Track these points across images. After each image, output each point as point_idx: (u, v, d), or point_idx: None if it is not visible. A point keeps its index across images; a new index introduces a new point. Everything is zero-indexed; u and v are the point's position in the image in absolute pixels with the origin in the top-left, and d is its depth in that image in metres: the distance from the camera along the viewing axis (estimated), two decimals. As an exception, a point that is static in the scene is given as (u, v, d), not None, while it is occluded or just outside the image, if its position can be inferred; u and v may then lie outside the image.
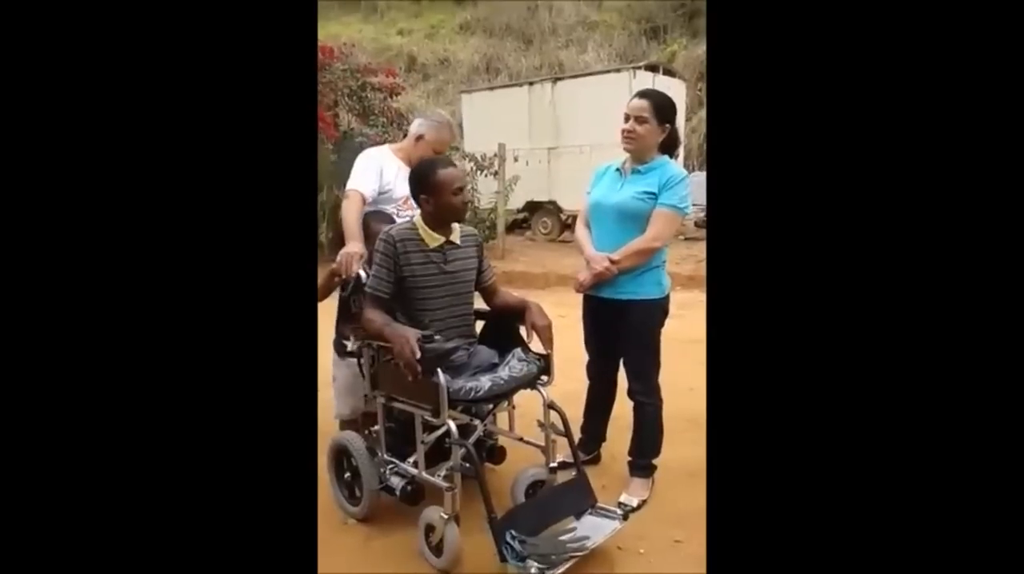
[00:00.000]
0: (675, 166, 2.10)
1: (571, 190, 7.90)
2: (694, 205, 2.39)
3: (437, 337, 1.76)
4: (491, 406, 1.92)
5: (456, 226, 1.96)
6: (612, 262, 2.01)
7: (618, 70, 8.90)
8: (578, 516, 1.80)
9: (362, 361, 1.99)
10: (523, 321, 1.91)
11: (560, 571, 1.59)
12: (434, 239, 1.89)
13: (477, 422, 1.90)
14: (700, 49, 11.74)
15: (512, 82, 11.14)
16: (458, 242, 1.95)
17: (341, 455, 2.07)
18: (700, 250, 6.87)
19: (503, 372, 1.83)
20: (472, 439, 1.79)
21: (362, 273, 2.00)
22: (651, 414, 2.16)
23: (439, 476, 1.79)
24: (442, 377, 1.67)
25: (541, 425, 1.90)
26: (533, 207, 9.34)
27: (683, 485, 2.21)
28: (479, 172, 8.03)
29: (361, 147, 3.00)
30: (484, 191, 8.13)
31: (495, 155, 7.74)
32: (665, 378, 2.18)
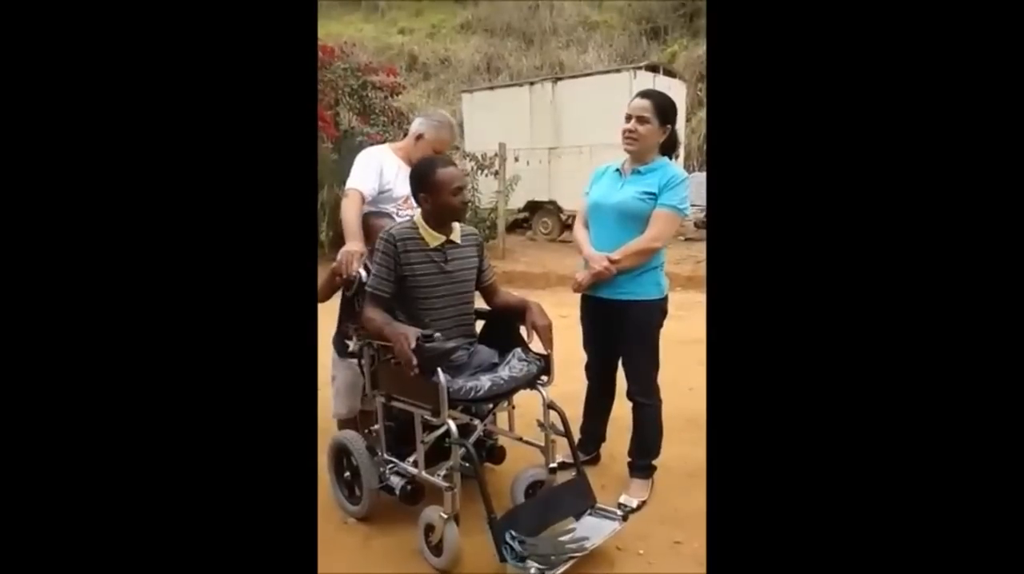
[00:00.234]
0: (675, 167, 2.10)
1: (572, 190, 7.88)
2: (693, 205, 2.38)
3: (437, 335, 1.76)
4: (491, 406, 1.92)
5: (457, 225, 1.96)
6: (611, 262, 2.01)
7: (619, 70, 8.90)
8: (578, 516, 1.80)
9: (362, 361, 1.99)
10: (523, 321, 1.91)
11: (560, 571, 1.59)
12: (434, 238, 1.89)
13: (477, 422, 1.90)
14: (700, 50, 11.73)
15: (513, 82, 11.12)
16: (459, 241, 1.95)
17: (341, 454, 2.07)
18: (699, 251, 6.86)
19: (503, 372, 1.83)
20: (472, 439, 1.79)
21: (362, 272, 2.00)
22: (650, 415, 2.15)
23: (439, 476, 1.79)
24: (442, 377, 1.67)
25: (541, 425, 1.90)
26: (534, 207, 9.34)
27: (683, 486, 2.21)
28: (480, 172, 8.03)
29: (361, 146, 3.00)
30: (485, 191, 8.13)
31: (496, 155, 7.74)
32: (664, 378, 2.18)
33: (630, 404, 2.17)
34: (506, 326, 1.99)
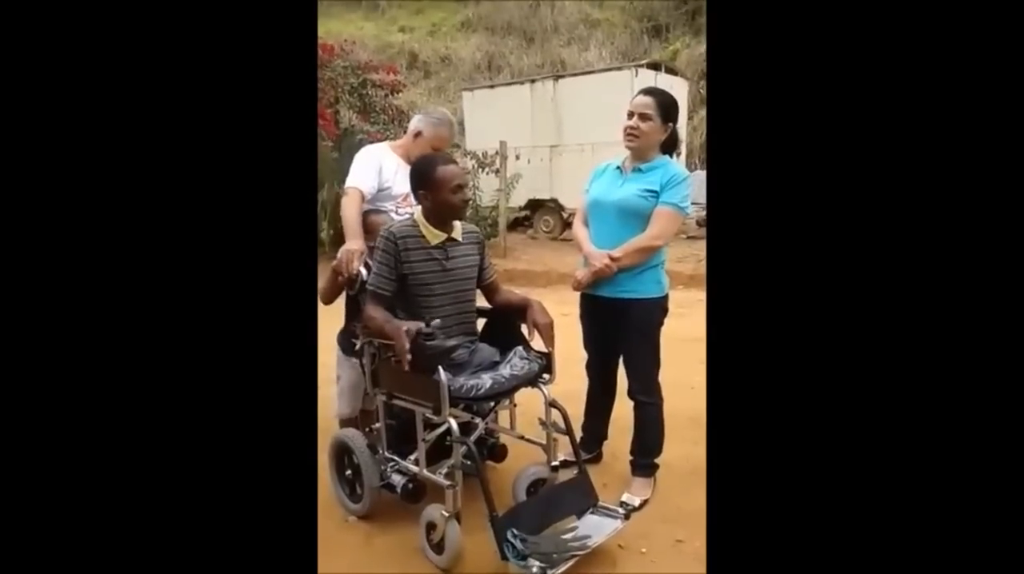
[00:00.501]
0: (677, 165, 2.09)
1: (573, 188, 7.84)
2: (694, 204, 2.38)
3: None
4: (492, 404, 1.92)
5: (458, 223, 1.95)
6: (612, 259, 2.00)
7: (620, 68, 8.89)
8: (580, 515, 1.80)
9: (364, 359, 1.99)
10: (524, 319, 1.91)
11: (561, 570, 1.59)
12: (435, 236, 1.89)
13: (478, 420, 1.90)
14: (702, 48, 11.71)
15: (514, 80, 11.12)
16: (460, 239, 1.94)
17: (342, 453, 2.07)
18: (701, 249, 6.86)
19: (504, 370, 1.83)
20: (473, 437, 1.79)
21: (363, 270, 1.99)
22: (652, 413, 2.15)
23: (440, 474, 1.79)
24: (443, 375, 1.66)
25: (542, 423, 1.90)
26: (535, 205, 9.34)
27: (685, 484, 2.21)
28: (481, 170, 8.04)
29: (361, 144, 3.00)
30: (486, 189, 8.13)
31: (497, 153, 7.73)
32: (666, 377, 2.17)
33: (631, 403, 2.17)
34: (507, 324, 1.99)
